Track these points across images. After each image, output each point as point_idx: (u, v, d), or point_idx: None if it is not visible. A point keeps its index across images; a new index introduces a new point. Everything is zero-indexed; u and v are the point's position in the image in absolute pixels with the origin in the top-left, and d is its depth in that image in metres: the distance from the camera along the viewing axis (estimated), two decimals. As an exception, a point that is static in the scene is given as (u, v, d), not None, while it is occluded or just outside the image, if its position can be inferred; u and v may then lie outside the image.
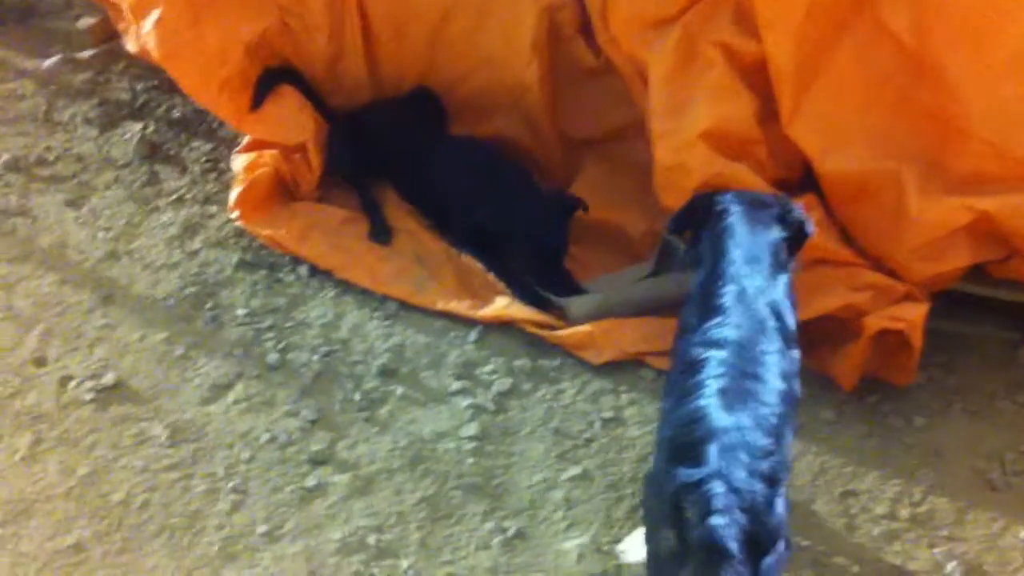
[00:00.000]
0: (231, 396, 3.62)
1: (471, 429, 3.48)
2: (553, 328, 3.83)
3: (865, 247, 3.67)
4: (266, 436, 3.47)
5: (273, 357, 3.72)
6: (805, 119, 3.62)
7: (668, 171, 3.69)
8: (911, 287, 3.55)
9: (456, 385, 3.65)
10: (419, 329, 3.89)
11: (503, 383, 3.65)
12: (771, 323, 2.83)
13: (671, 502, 2.43)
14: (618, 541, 3.14)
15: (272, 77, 4.48)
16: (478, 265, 4.09)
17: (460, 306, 3.92)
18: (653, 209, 4.04)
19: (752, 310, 2.83)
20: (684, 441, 2.53)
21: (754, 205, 3.13)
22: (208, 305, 3.97)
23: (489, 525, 3.20)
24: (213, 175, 4.64)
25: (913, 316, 3.42)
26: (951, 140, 3.48)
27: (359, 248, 4.17)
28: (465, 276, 4.08)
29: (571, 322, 3.87)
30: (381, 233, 4.28)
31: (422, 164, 4.44)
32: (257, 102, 4.40)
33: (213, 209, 4.45)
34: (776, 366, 2.72)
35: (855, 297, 3.53)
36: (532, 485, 3.33)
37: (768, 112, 3.71)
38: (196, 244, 4.26)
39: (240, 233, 4.31)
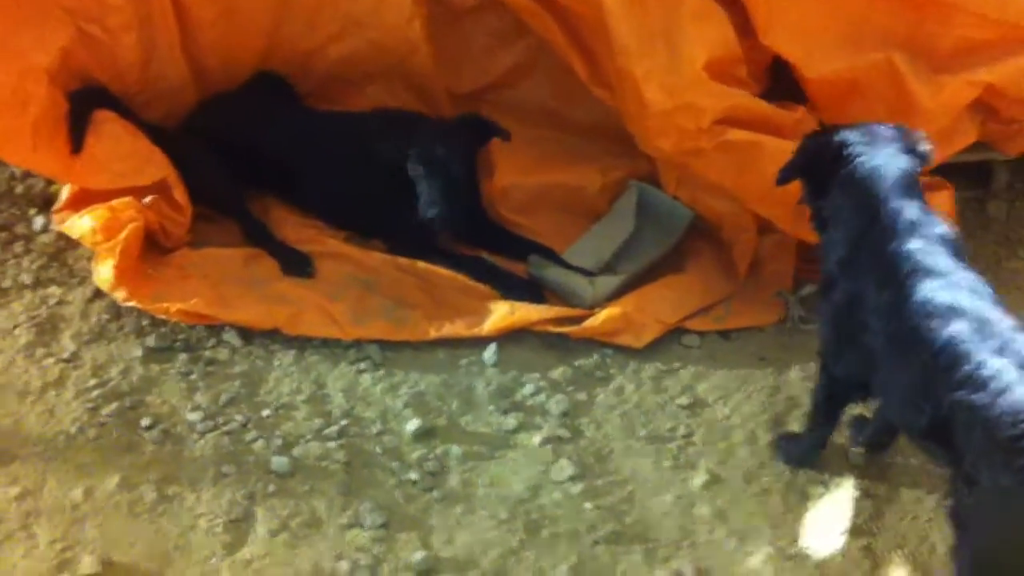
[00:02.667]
0: (261, 530, 2.79)
1: (565, 469, 2.98)
2: (573, 320, 3.40)
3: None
4: (345, 566, 2.70)
5: (280, 462, 2.93)
6: (782, 25, 3.38)
7: (667, 115, 3.31)
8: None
9: (510, 422, 3.13)
10: (423, 369, 3.28)
11: (558, 402, 3.18)
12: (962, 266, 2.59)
13: None
14: (796, 539, 2.83)
15: (81, 104, 3.43)
16: (441, 270, 3.51)
17: (456, 327, 3.35)
18: (597, 158, 3.78)
19: (952, 264, 2.54)
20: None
21: (878, 140, 2.78)
22: (144, 422, 3.04)
23: (661, 573, 2.76)
24: (19, 246, 3.54)
25: (949, 207, 3.42)
26: (932, 17, 3.39)
27: (297, 292, 3.40)
28: (435, 289, 3.49)
29: (590, 306, 3.46)
30: (297, 263, 3.53)
31: (309, 160, 3.68)
32: (76, 142, 3.36)
33: (55, 292, 3.40)
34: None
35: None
36: (668, 510, 2.92)
37: (741, 26, 3.42)
38: (68, 345, 3.24)
39: (116, 315, 3.34)
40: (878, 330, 2.57)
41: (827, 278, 2.77)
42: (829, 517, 2.96)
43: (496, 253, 3.70)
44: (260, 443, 3.03)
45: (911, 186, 2.67)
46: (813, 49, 3.44)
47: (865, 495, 3.00)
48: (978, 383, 2.24)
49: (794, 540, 2.89)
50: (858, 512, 2.95)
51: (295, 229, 3.67)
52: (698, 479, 3.03)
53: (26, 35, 3.34)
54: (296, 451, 3.00)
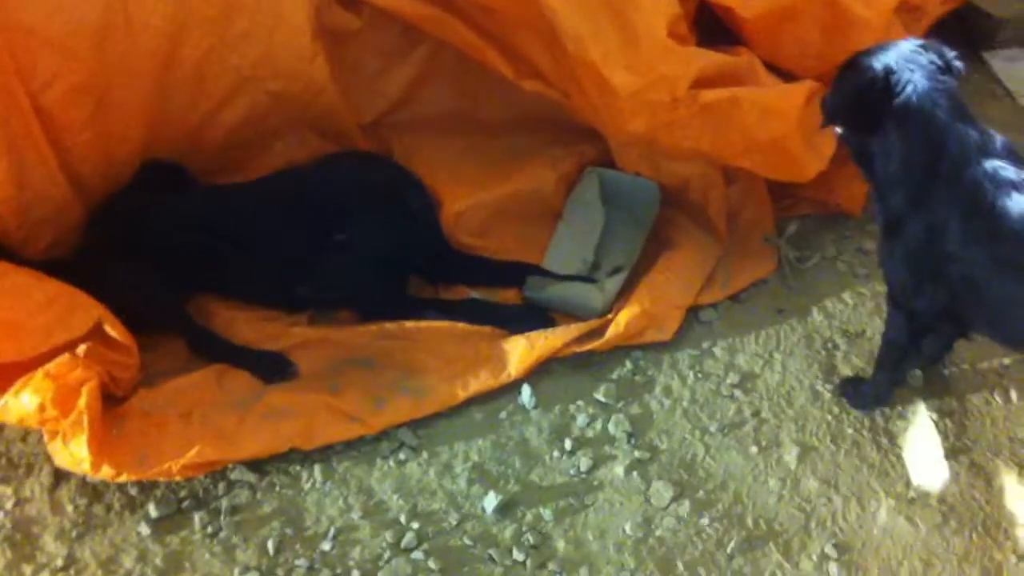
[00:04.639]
0: None
1: (663, 492, 2.80)
2: (594, 334, 3.18)
3: (806, 70, 3.45)
4: None
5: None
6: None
7: (638, 94, 3.10)
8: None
9: (584, 461, 2.88)
10: (466, 437, 2.97)
11: (618, 423, 2.99)
12: None
13: None
14: (907, 481, 2.80)
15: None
16: (434, 323, 3.19)
17: (481, 381, 3.05)
18: (540, 153, 3.58)
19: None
20: None
21: (918, 62, 2.62)
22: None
23: (806, 564, 2.65)
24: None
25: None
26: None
27: (293, 399, 2.95)
28: (439, 347, 3.15)
29: (602, 313, 3.26)
30: (274, 366, 3.09)
31: (240, 242, 3.23)
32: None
33: (5, 492, 2.78)
34: None
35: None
36: (779, 496, 2.80)
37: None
38: (56, 549, 2.66)
39: (95, 494, 2.79)
40: (972, 258, 2.53)
41: (893, 217, 2.67)
42: (924, 447, 2.96)
43: (478, 286, 3.42)
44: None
45: (961, 104, 2.61)
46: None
47: (942, 415, 3.02)
48: None
49: (906, 483, 2.87)
50: (945, 433, 2.97)
51: (250, 328, 3.23)
52: (789, 455, 2.95)
53: None
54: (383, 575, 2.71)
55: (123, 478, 2.79)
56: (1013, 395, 3.07)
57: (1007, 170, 2.49)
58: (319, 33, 3.36)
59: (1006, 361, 3.17)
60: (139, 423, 2.93)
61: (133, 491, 2.88)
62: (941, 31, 3.88)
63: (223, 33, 3.20)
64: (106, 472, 2.77)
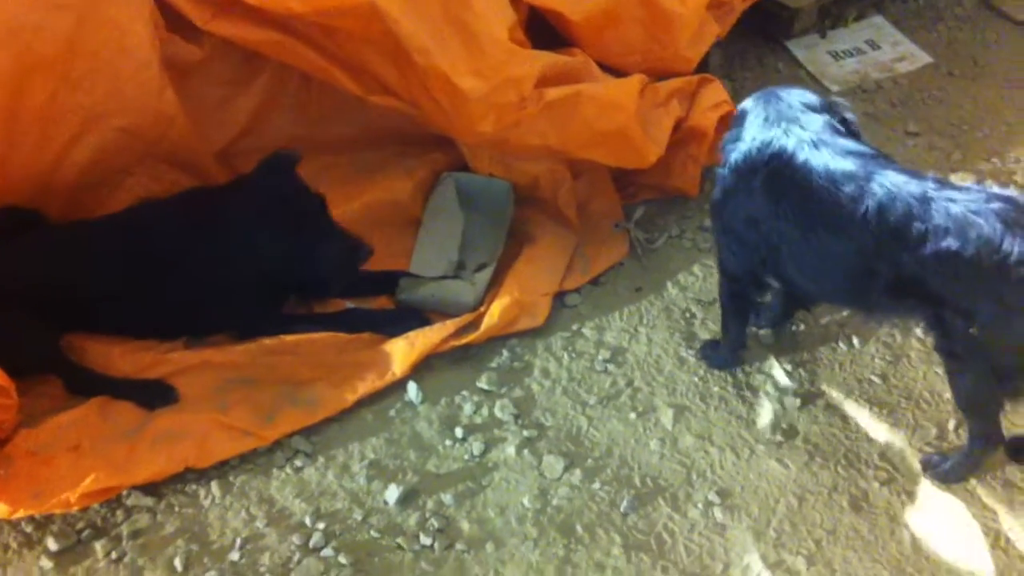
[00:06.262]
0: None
1: (555, 464, 2.95)
2: (469, 328, 3.33)
3: (633, 66, 3.73)
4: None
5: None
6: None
7: (486, 97, 3.27)
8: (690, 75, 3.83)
9: (476, 446, 3.03)
10: (359, 437, 3.07)
11: (503, 407, 3.13)
12: None
13: None
14: (774, 427, 3.07)
15: None
16: (313, 335, 3.26)
17: (368, 383, 3.17)
18: (393, 164, 3.73)
19: None
20: None
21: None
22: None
23: (693, 512, 2.86)
24: None
25: (724, 95, 3.74)
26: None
27: (182, 421, 3.00)
28: (320, 357, 3.24)
29: (474, 307, 3.42)
30: (156, 393, 3.12)
31: (104, 276, 3.21)
32: None
33: None
34: None
35: (676, 110, 3.70)
36: (661, 454, 3.01)
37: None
38: None
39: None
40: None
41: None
42: (781, 392, 3.24)
43: (348, 297, 3.52)
44: (225, 596, 2.82)
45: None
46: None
47: (795, 365, 3.31)
48: (939, 233, 2.53)
49: (772, 428, 3.14)
50: (800, 381, 3.26)
51: (126, 361, 3.23)
52: (665, 417, 3.19)
53: None
54: (295, 577, 2.84)
55: (20, 514, 2.79)
56: (855, 341, 3.41)
57: None
58: (164, 64, 3.38)
59: (845, 313, 3.50)
60: (26, 462, 2.93)
61: (28, 528, 2.88)
62: (745, 24, 4.32)
63: (66, 73, 3.20)
64: (2, 510, 2.78)
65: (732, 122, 3.02)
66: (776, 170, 2.77)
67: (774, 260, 2.95)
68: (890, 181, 2.61)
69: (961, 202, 2.53)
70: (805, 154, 2.71)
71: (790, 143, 2.74)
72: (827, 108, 2.91)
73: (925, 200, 2.56)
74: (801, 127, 2.79)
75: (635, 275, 3.68)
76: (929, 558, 2.79)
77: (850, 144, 2.77)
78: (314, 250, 3.30)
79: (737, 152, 2.88)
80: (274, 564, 2.78)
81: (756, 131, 2.85)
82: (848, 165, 2.67)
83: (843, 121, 2.90)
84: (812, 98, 2.92)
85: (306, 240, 3.27)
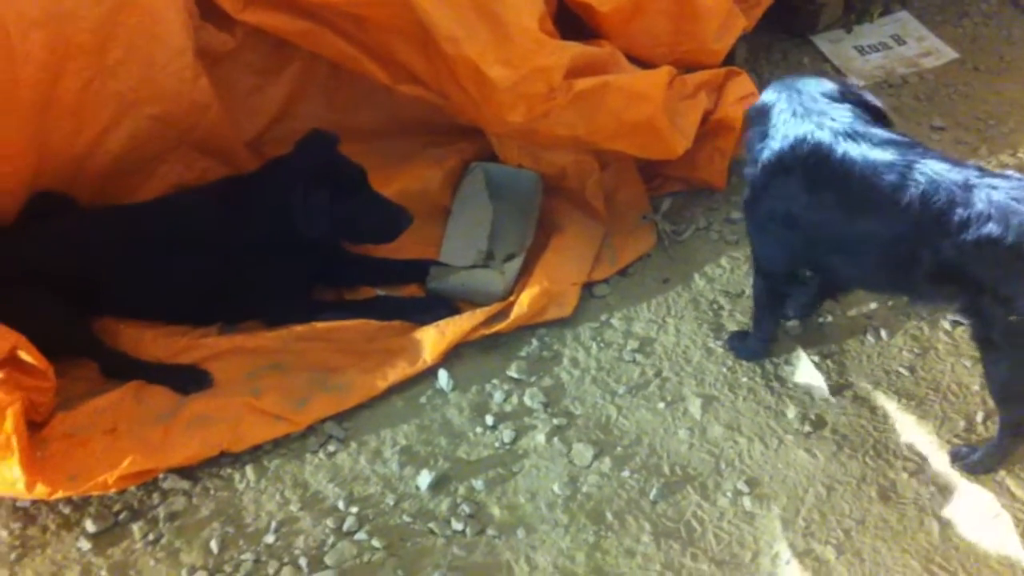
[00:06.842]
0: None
1: (584, 452, 3.00)
2: (499, 316, 3.37)
3: (660, 58, 3.75)
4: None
5: None
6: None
7: (515, 87, 3.30)
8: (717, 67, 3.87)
9: (507, 433, 3.07)
10: (391, 424, 3.12)
11: (533, 396, 3.18)
12: None
13: None
14: (804, 414, 3.09)
15: None
16: (344, 322, 3.30)
17: (399, 370, 3.22)
18: (422, 154, 3.77)
19: None
20: None
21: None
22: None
23: (722, 500, 2.88)
24: None
25: (752, 88, 3.76)
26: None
27: (216, 406, 3.06)
28: (351, 344, 3.30)
29: (503, 296, 3.46)
30: (190, 378, 3.18)
31: (139, 262, 3.26)
32: None
33: None
34: None
35: (703, 102, 3.71)
36: (690, 444, 3.04)
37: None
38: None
39: (28, 517, 2.84)
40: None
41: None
42: (808, 382, 3.26)
43: (378, 285, 3.57)
44: (288, 570, 2.75)
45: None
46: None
47: (823, 357, 3.34)
48: (981, 219, 2.56)
49: (801, 419, 3.15)
50: (828, 373, 3.28)
51: (158, 345, 3.29)
52: (694, 407, 3.23)
53: None
54: (329, 559, 2.77)
55: (58, 495, 2.83)
56: (883, 334, 3.43)
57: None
58: (197, 52, 3.44)
59: (873, 306, 3.54)
60: (63, 444, 2.99)
61: (66, 510, 2.94)
62: (771, 18, 4.33)
63: (102, 60, 3.25)
64: (40, 491, 2.81)
65: (754, 119, 2.99)
66: (815, 165, 2.77)
67: (813, 253, 2.98)
68: (932, 169, 2.63)
69: (1003, 189, 2.56)
70: (843, 146, 2.72)
71: (826, 137, 2.75)
72: (846, 94, 2.92)
73: (967, 187, 2.59)
74: (832, 119, 2.80)
75: (662, 266, 3.72)
76: (958, 548, 2.81)
77: (884, 133, 2.78)
78: (357, 214, 3.34)
79: (768, 150, 2.87)
80: (308, 547, 2.83)
81: (786, 127, 2.84)
82: (887, 155, 2.69)
83: (865, 106, 2.90)
84: (830, 86, 2.94)
85: (350, 204, 3.31)
